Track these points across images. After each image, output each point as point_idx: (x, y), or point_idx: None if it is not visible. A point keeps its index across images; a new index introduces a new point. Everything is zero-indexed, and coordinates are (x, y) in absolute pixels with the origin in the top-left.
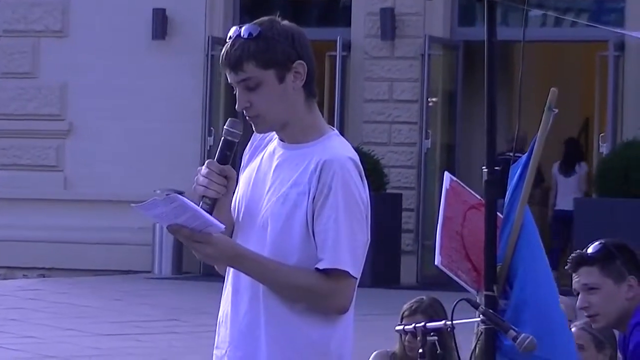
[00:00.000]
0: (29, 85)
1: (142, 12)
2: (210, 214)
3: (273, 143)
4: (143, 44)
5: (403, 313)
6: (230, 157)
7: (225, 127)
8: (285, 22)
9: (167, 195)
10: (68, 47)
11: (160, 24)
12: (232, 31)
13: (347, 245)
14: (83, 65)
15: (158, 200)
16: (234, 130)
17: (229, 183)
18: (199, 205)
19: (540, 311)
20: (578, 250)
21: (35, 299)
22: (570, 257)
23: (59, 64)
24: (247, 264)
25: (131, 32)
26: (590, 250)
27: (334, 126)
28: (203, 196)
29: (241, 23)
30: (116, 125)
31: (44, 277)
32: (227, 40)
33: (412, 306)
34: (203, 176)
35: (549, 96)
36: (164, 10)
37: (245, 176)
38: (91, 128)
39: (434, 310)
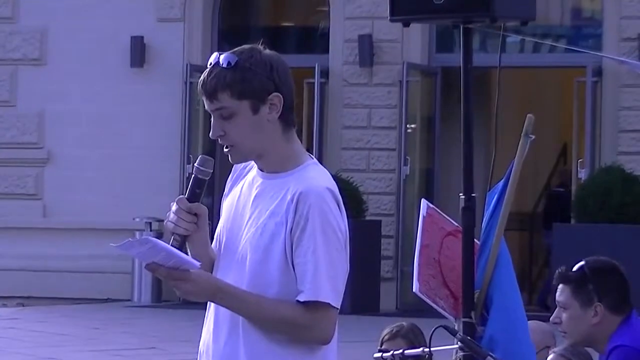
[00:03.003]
0: (7, 113)
1: (120, 39)
2: (181, 249)
3: (252, 172)
4: (121, 71)
5: (383, 337)
6: (200, 194)
7: (195, 164)
8: (267, 52)
9: (141, 237)
10: (46, 75)
11: (139, 52)
12: (213, 57)
13: (326, 277)
14: (61, 93)
15: (133, 241)
16: (204, 169)
17: (200, 220)
18: (169, 242)
19: (509, 337)
20: (564, 267)
21: (14, 327)
22: (557, 271)
23: (37, 92)
24: (227, 299)
25: (109, 60)
26: (574, 268)
27: (312, 153)
28: (173, 233)
29: (220, 51)
30: (95, 153)
31: (22, 306)
32: (207, 66)
33: (393, 330)
34: (173, 213)
35: (525, 122)
36: (142, 37)
37: (226, 206)
38: (70, 156)
39: (414, 335)
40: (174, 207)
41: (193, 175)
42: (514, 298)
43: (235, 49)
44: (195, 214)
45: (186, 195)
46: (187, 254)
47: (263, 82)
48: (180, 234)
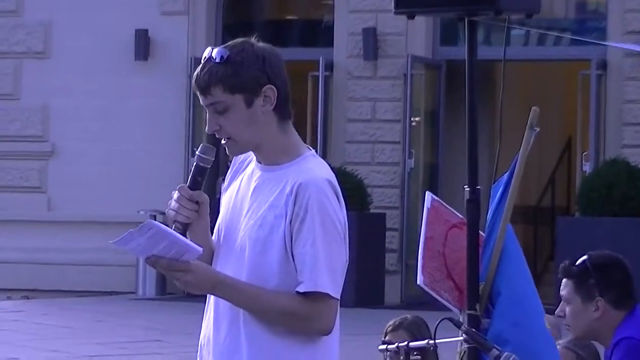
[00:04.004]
0: (11, 106)
1: (124, 33)
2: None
3: (251, 165)
4: (125, 65)
5: (387, 329)
6: (201, 182)
7: (197, 152)
8: (260, 44)
9: (142, 224)
10: (50, 69)
11: (143, 45)
12: (206, 52)
13: (326, 268)
14: (65, 87)
15: (133, 231)
16: (206, 157)
17: (201, 208)
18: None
19: (523, 330)
20: (567, 260)
21: (19, 320)
22: (561, 265)
23: (41, 85)
24: (227, 290)
25: (113, 53)
26: (576, 262)
27: (316, 146)
28: (175, 220)
29: (224, 44)
30: (99, 147)
31: (27, 298)
32: (202, 61)
33: (396, 322)
34: (174, 201)
35: (530, 115)
36: (146, 31)
37: (225, 199)
38: (74, 149)
39: (417, 328)
40: (175, 195)
41: (195, 163)
42: (525, 290)
43: (228, 43)
44: (197, 202)
45: (188, 183)
46: None
47: (255, 75)
48: (181, 222)
